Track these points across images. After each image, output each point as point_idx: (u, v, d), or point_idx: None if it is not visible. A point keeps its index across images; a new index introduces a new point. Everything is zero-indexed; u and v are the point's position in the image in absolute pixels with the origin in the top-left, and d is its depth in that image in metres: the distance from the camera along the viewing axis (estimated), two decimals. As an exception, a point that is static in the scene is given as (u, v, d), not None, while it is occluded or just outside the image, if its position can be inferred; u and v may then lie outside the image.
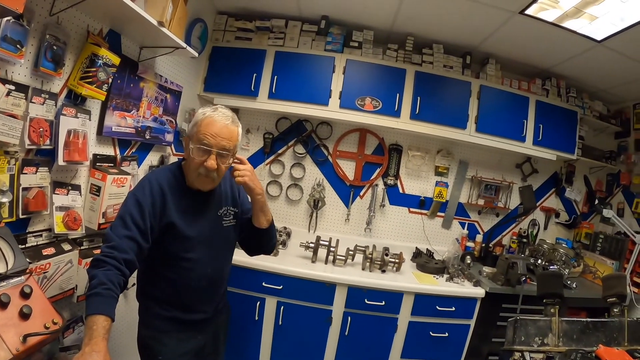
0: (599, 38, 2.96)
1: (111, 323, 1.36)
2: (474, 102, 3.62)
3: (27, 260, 1.65)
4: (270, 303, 3.10)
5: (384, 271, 3.29)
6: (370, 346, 3.15)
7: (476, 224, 4.20)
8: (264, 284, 3.05)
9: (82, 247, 2.09)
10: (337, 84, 3.49)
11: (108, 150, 2.36)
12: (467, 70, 3.70)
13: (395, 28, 3.57)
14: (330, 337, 3.13)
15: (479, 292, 3.19)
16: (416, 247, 3.96)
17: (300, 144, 3.98)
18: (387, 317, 3.14)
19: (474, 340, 3.23)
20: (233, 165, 1.84)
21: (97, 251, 2.01)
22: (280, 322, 3.08)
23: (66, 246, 1.99)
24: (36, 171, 1.79)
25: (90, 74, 1.94)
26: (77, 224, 2.01)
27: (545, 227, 4.33)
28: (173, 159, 3.13)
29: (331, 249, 3.31)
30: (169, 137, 2.94)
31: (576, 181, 4.36)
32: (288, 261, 3.20)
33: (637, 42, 2.89)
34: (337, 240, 3.43)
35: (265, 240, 2.07)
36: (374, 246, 3.39)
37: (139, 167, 2.65)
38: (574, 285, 3.45)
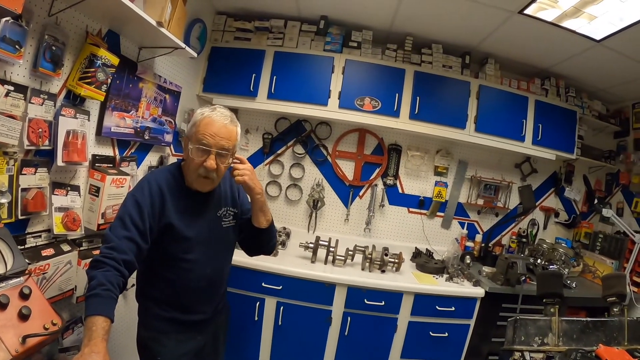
0: (598, 38, 2.96)
1: (110, 324, 1.36)
2: (473, 102, 3.62)
3: (26, 261, 1.64)
4: (270, 303, 3.09)
5: (383, 271, 3.29)
6: (370, 346, 3.15)
7: (476, 223, 4.20)
8: (263, 284, 3.05)
9: (81, 248, 2.08)
10: (336, 84, 3.48)
11: (107, 151, 2.35)
12: (466, 70, 3.70)
13: (394, 28, 3.57)
14: (329, 338, 3.13)
15: (479, 291, 3.19)
16: (416, 247, 3.96)
17: (299, 144, 3.98)
18: (387, 317, 3.13)
19: (473, 340, 3.23)
20: (232, 164, 1.84)
21: (97, 252, 2.02)
22: (279, 323, 3.08)
23: (65, 247, 1.98)
24: (35, 172, 1.79)
25: (89, 75, 1.93)
26: (76, 225, 2.01)
27: (545, 227, 4.34)
28: (172, 160, 3.13)
29: (331, 249, 3.31)
30: (168, 138, 2.93)
31: (575, 181, 4.36)
32: (287, 261, 3.19)
33: (636, 42, 2.89)
34: (337, 241, 3.43)
35: (265, 240, 2.06)
36: (374, 246, 3.39)
37: (138, 167, 2.65)
38: (574, 285, 3.45)
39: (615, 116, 4.25)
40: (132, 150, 2.62)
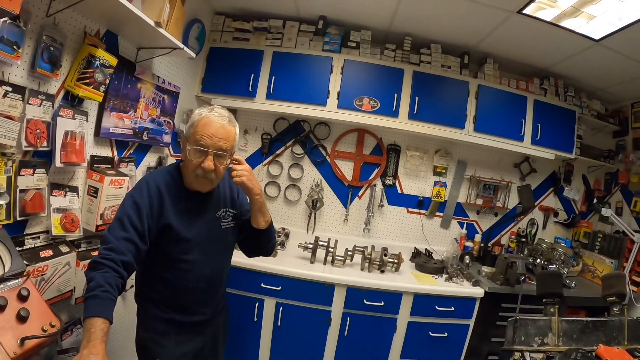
0: (596, 37, 2.96)
1: (109, 325, 1.36)
2: (472, 102, 3.62)
3: (25, 262, 1.64)
4: (269, 304, 3.09)
5: (382, 271, 3.28)
6: (369, 347, 3.15)
7: (475, 223, 4.20)
8: (262, 285, 3.05)
9: (79, 249, 2.08)
10: (335, 84, 3.48)
11: (105, 152, 2.35)
12: (465, 70, 3.70)
13: (393, 28, 3.56)
14: (329, 338, 3.13)
15: (478, 291, 3.19)
16: (415, 247, 3.96)
17: (298, 144, 3.97)
18: (386, 318, 3.13)
19: (473, 340, 3.23)
20: (231, 165, 1.83)
21: (95, 253, 2.02)
22: (279, 323, 3.08)
23: (64, 248, 1.97)
24: (33, 173, 1.78)
25: (87, 75, 1.93)
26: (75, 226, 2.00)
27: (544, 227, 4.34)
28: (171, 160, 3.12)
29: (330, 249, 3.30)
30: (167, 138, 2.93)
31: (574, 180, 4.36)
32: (287, 262, 3.19)
33: (635, 41, 2.89)
34: (336, 241, 3.43)
35: (264, 241, 2.06)
36: (373, 246, 3.39)
37: (136, 168, 2.64)
38: (573, 285, 3.45)
39: (614, 116, 4.25)
40: (131, 151, 2.61)
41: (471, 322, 3.22)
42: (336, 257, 3.28)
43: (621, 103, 4.21)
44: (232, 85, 3.50)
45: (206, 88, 3.55)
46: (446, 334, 3.17)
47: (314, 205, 3.89)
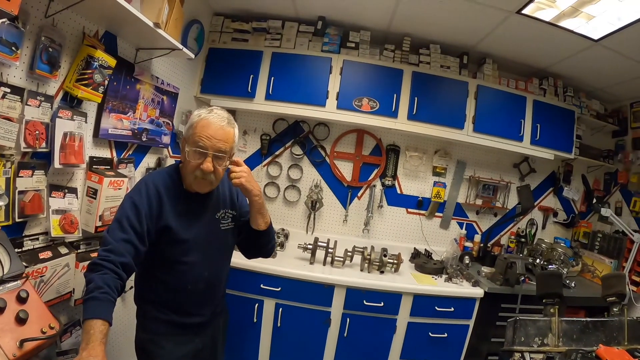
0: (596, 37, 2.96)
1: (109, 327, 1.36)
2: (472, 102, 3.62)
3: (24, 264, 1.63)
4: (269, 305, 3.08)
5: (382, 272, 3.28)
6: (369, 347, 3.15)
7: (474, 224, 4.20)
8: (262, 286, 3.04)
9: (79, 251, 2.08)
10: (334, 84, 3.48)
11: (104, 153, 2.34)
12: (464, 70, 3.70)
13: (392, 28, 3.56)
14: (329, 339, 3.12)
15: (478, 292, 3.18)
16: (414, 248, 3.96)
17: (297, 145, 3.97)
18: (386, 318, 3.13)
19: (473, 341, 3.23)
20: (229, 167, 1.83)
21: (94, 254, 2.02)
22: (278, 324, 3.07)
23: (63, 249, 1.97)
24: (32, 174, 1.78)
25: (86, 76, 1.92)
26: (74, 227, 2.00)
27: (544, 227, 4.34)
28: (170, 161, 3.12)
29: (329, 250, 3.30)
30: (166, 139, 2.92)
31: (574, 180, 4.36)
32: (286, 263, 3.19)
33: (634, 41, 2.89)
34: (335, 242, 3.42)
35: (263, 243, 2.06)
36: (372, 247, 3.39)
37: (135, 169, 2.64)
38: (573, 285, 3.46)
39: (614, 115, 4.25)
40: (130, 152, 2.61)
41: (471, 323, 3.22)
42: (336, 258, 3.28)
43: (620, 103, 4.21)
44: (231, 86, 3.50)
45: (205, 89, 3.55)
46: (446, 335, 3.17)
47: (314, 206, 3.89)
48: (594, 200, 3.96)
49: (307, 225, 3.97)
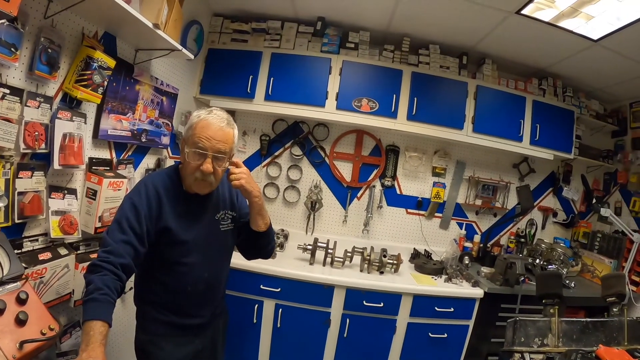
0: (595, 37, 2.97)
1: (108, 328, 1.36)
2: (471, 103, 3.62)
3: (23, 265, 1.63)
4: (269, 306, 3.08)
5: (382, 272, 3.28)
6: (369, 348, 3.14)
7: (474, 224, 4.20)
8: (262, 286, 3.04)
9: (78, 252, 2.08)
10: (333, 85, 3.48)
11: (104, 154, 2.34)
12: (463, 70, 3.70)
13: (391, 29, 3.56)
14: (328, 340, 3.12)
15: (478, 292, 3.18)
16: (414, 248, 3.96)
17: (297, 145, 3.97)
18: (386, 319, 3.13)
19: (473, 341, 3.23)
20: (229, 168, 1.82)
21: (94, 255, 2.02)
22: (278, 325, 3.07)
23: (62, 251, 1.97)
24: (32, 175, 1.78)
25: (86, 77, 1.92)
26: (74, 228, 2.00)
27: (543, 227, 4.34)
28: (169, 162, 3.12)
29: (329, 250, 3.30)
30: (165, 140, 2.92)
31: (573, 180, 4.36)
32: (286, 263, 3.19)
33: (633, 41, 2.89)
34: (335, 242, 3.42)
35: (263, 244, 2.05)
36: (372, 248, 3.38)
37: (135, 170, 2.64)
38: (573, 285, 3.46)
39: (613, 115, 4.25)
40: (129, 153, 2.61)
41: (471, 323, 3.22)
42: (335, 259, 3.28)
43: (620, 103, 4.21)
44: (231, 87, 3.50)
45: (205, 89, 3.55)
46: (446, 335, 3.17)
47: (313, 206, 3.89)
48: (594, 201, 3.95)
49: (307, 225, 3.97)
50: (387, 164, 4.03)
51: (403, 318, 3.14)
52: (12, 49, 1.54)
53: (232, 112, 3.17)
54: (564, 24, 2.88)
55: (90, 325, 1.31)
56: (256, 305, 3.06)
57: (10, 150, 1.64)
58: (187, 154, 1.72)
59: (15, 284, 1.50)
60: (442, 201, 4.07)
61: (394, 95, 3.49)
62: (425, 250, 3.97)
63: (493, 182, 4.08)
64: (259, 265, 2.95)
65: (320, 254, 3.30)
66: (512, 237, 4.16)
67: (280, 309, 3.06)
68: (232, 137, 1.78)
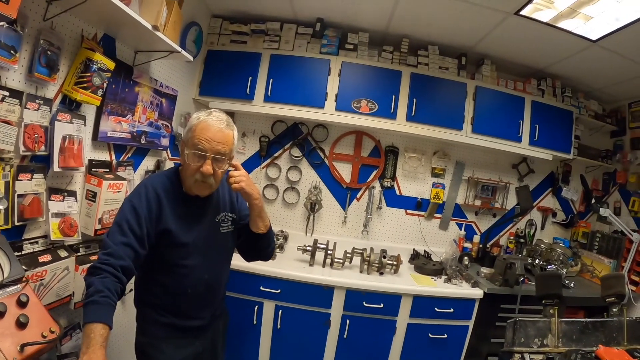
0: (594, 38, 2.97)
1: (109, 331, 1.36)
2: (470, 103, 3.62)
3: (24, 268, 1.63)
4: (269, 307, 3.08)
5: (382, 273, 3.28)
6: (369, 349, 3.14)
7: (473, 224, 4.21)
8: (261, 288, 3.04)
9: (78, 254, 2.08)
10: (332, 86, 3.48)
11: (103, 156, 2.34)
12: (462, 71, 3.70)
13: (390, 30, 3.57)
14: (329, 341, 3.12)
15: (477, 293, 3.19)
16: (414, 249, 3.96)
17: (296, 147, 3.97)
18: (386, 320, 3.13)
19: (472, 341, 3.23)
20: (228, 171, 1.83)
21: (94, 257, 2.03)
22: (278, 326, 3.07)
23: (62, 253, 1.97)
24: (31, 178, 1.78)
25: (85, 79, 1.92)
26: (73, 231, 2.00)
27: (543, 227, 4.34)
28: (169, 164, 3.12)
29: (329, 252, 3.30)
30: (165, 142, 2.92)
31: (573, 180, 4.37)
32: (286, 265, 3.19)
33: (632, 42, 2.90)
34: (335, 243, 3.43)
35: (263, 246, 2.06)
36: (372, 248, 3.39)
37: (134, 172, 2.64)
38: (572, 285, 3.46)
39: (612, 116, 4.26)
40: (129, 155, 2.61)
41: (470, 324, 3.22)
42: (335, 260, 3.28)
43: (618, 103, 4.22)
44: (230, 88, 3.50)
45: (204, 91, 3.54)
46: (445, 336, 3.17)
47: (313, 207, 3.89)
48: (593, 201, 3.96)
49: (307, 227, 3.97)
50: (386, 165, 4.03)
51: (403, 319, 3.14)
52: (12, 52, 1.54)
53: (231, 114, 3.17)
54: (563, 24, 2.88)
55: (91, 328, 1.32)
56: (256, 307, 3.06)
57: (10, 152, 1.64)
58: (187, 155, 1.72)
59: (15, 286, 1.49)
60: (441, 202, 4.07)
61: (393, 96, 3.49)
62: (424, 251, 3.98)
63: (492, 182, 4.08)
64: (258, 266, 2.95)
65: (320, 255, 3.30)
66: (512, 237, 4.17)
67: (280, 310, 3.06)
68: (231, 138, 1.78)
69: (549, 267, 3.58)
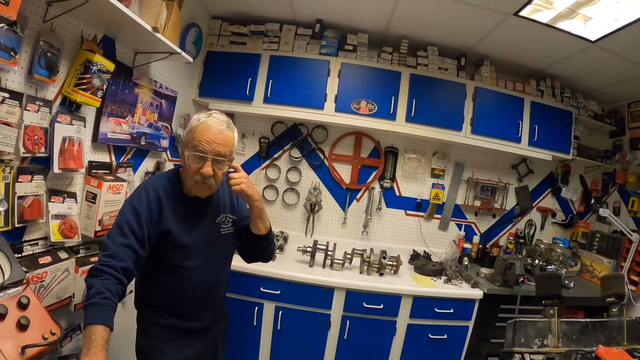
0: (593, 38, 2.97)
1: (110, 333, 1.36)
2: (469, 104, 3.62)
3: (24, 269, 1.63)
4: (269, 308, 3.08)
5: (381, 274, 3.29)
6: (369, 350, 3.15)
7: (473, 225, 4.21)
8: (262, 289, 3.04)
9: (78, 255, 2.07)
10: (332, 87, 3.48)
11: (103, 157, 2.34)
12: (462, 72, 3.71)
13: (389, 31, 3.57)
14: (329, 342, 3.12)
15: (477, 293, 3.19)
16: (413, 250, 3.96)
17: (296, 148, 3.97)
18: (386, 321, 3.13)
19: (472, 342, 3.23)
20: (228, 174, 1.83)
21: (94, 259, 2.03)
22: (278, 327, 3.07)
23: (62, 254, 1.97)
24: (31, 179, 1.77)
25: (85, 81, 1.92)
26: (74, 232, 1.99)
27: (542, 227, 4.34)
28: (169, 165, 3.12)
29: (328, 252, 3.30)
30: (165, 143, 2.92)
31: (572, 181, 4.37)
32: (286, 266, 3.19)
33: (631, 42, 2.90)
34: (335, 244, 3.43)
35: (263, 247, 2.06)
36: (372, 249, 3.39)
37: (134, 173, 2.64)
38: (572, 285, 3.46)
39: (611, 116, 4.26)
40: (129, 156, 2.61)
41: (470, 324, 3.23)
42: (335, 261, 3.28)
43: (618, 103, 4.23)
44: (230, 89, 3.50)
45: (203, 92, 3.54)
46: (445, 336, 3.17)
47: (312, 208, 3.89)
48: (592, 201, 3.97)
49: (306, 228, 3.97)
50: (386, 166, 4.03)
51: (403, 319, 3.14)
52: (12, 53, 1.54)
53: (231, 115, 3.17)
54: (562, 25, 2.88)
55: (92, 330, 1.32)
56: (256, 308, 3.07)
57: (10, 154, 1.64)
58: (187, 157, 1.72)
59: (16, 288, 1.49)
60: (441, 202, 4.08)
61: (393, 97, 3.49)
62: (424, 251, 3.98)
63: (492, 183, 4.09)
64: (259, 267, 2.93)
65: (319, 256, 3.30)
66: (511, 237, 4.17)
67: (281, 312, 3.06)
68: (232, 140, 1.79)
69: (548, 267, 3.58)
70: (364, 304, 3.07)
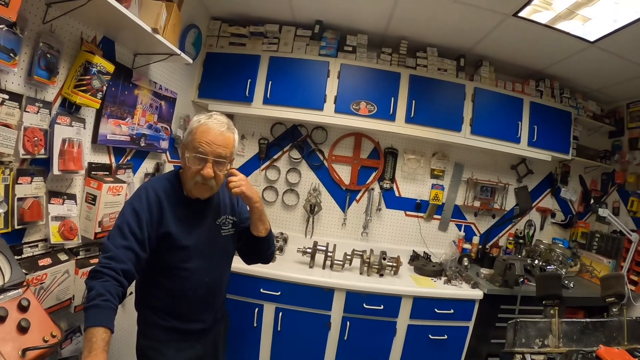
0: (592, 39, 2.98)
1: (110, 335, 1.35)
2: (469, 105, 3.63)
3: (24, 271, 1.62)
4: (269, 309, 3.08)
5: (381, 275, 3.29)
6: (369, 351, 3.14)
7: (473, 225, 4.21)
8: (262, 290, 3.04)
9: (78, 257, 2.07)
10: (331, 88, 3.48)
11: (103, 159, 2.34)
12: (461, 73, 3.72)
13: (389, 32, 3.57)
14: (329, 343, 3.12)
15: (477, 293, 3.19)
16: (413, 250, 3.96)
17: (295, 149, 3.97)
18: (386, 321, 3.13)
19: (473, 342, 3.23)
20: (228, 176, 1.83)
21: (94, 260, 2.03)
22: (279, 328, 3.07)
23: (62, 256, 1.96)
24: (31, 181, 1.77)
25: (85, 82, 1.92)
26: (73, 234, 1.99)
27: (542, 228, 4.35)
28: (168, 166, 3.12)
29: (328, 253, 3.30)
30: (164, 144, 2.92)
31: (571, 181, 4.38)
32: (286, 267, 3.19)
33: (630, 42, 2.91)
34: (334, 245, 3.43)
35: (263, 248, 2.06)
36: (371, 250, 3.39)
37: (134, 174, 2.63)
38: (572, 285, 3.47)
39: (610, 116, 4.27)
40: (128, 158, 2.60)
41: (470, 324, 3.23)
42: (335, 262, 3.28)
43: (617, 103, 4.24)
44: (229, 91, 3.50)
45: (203, 93, 3.54)
46: (446, 337, 3.17)
47: (312, 209, 3.88)
48: (592, 201, 3.97)
49: (306, 229, 3.96)
50: (385, 167, 4.03)
51: (403, 320, 3.14)
52: (11, 54, 1.53)
53: (230, 116, 3.15)
54: (561, 26, 2.89)
55: (92, 332, 1.31)
56: (256, 309, 3.06)
57: (10, 156, 1.63)
58: (188, 158, 1.72)
59: (16, 290, 1.49)
60: (440, 203, 4.08)
61: (392, 98, 3.49)
62: (424, 252, 3.98)
63: (491, 183, 4.09)
64: (259, 268, 2.92)
65: (319, 257, 3.30)
66: (511, 238, 4.17)
67: (281, 313, 3.06)
68: (232, 141, 1.79)
69: (548, 267, 3.59)
70: (364, 304, 3.07)
